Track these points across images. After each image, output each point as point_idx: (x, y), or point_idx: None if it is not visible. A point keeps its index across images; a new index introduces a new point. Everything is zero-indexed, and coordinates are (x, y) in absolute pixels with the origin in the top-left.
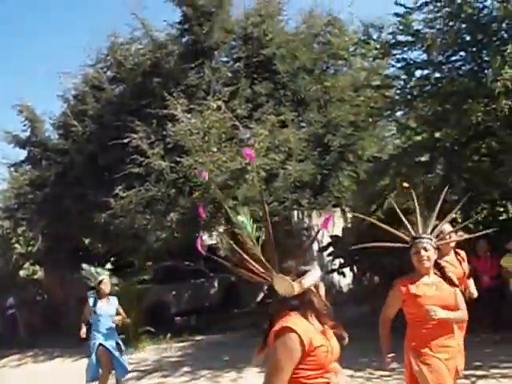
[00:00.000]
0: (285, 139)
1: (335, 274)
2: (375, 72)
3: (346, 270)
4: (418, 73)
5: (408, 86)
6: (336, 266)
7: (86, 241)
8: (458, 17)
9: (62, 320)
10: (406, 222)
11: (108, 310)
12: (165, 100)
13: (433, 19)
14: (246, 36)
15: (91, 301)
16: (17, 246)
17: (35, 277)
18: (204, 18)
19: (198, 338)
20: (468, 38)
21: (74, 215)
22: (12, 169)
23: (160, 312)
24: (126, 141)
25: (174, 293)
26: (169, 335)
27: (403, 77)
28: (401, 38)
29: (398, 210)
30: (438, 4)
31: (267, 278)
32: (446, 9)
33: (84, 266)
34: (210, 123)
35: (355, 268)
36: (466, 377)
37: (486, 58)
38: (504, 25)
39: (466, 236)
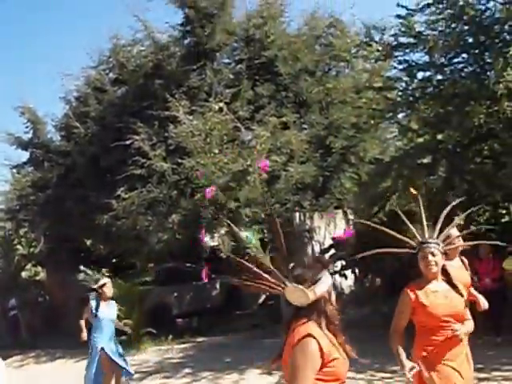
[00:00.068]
0: (286, 141)
1: (337, 276)
2: (377, 74)
3: (348, 272)
4: (420, 75)
5: (410, 88)
6: (338, 268)
7: (88, 242)
8: (461, 19)
9: (64, 321)
10: (412, 227)
11: (110, 314)
12: (167, 102)
13: (435, 21)
14: (248, 38)
15: (93, 304)
16: (19, 247)
17: (37, 278)
18: (206, 20)
19: (200, 339)
20: (470, 40)
21: (75, 217)
22: (14, 170)
23: (162, 313)
24: (127, 142)
25: (175, 294)
26: (170, 337)
27: (405, 79)
28: (403, 39)
29: (401, 215)
30: (440, 6)
31: (279, 288)
32: (448, 11)
33: (82, 268)
34: (212, 125)
35: (357, 270)
36: None
37: (489, 60)
38: (506, 27)
39: (473, 243)
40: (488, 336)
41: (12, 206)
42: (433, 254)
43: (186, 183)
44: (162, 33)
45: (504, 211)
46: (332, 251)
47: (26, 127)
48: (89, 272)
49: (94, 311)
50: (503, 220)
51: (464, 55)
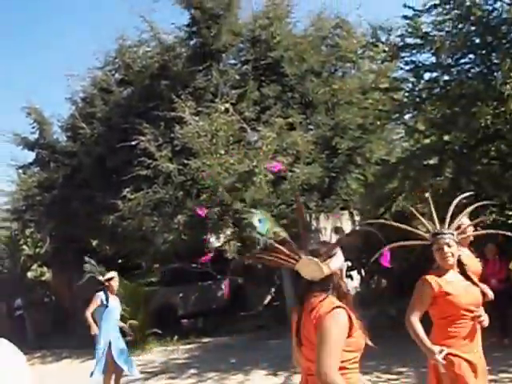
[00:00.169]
0: (292, 142)
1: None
2: (383, 75)
3: (354, 273)
4: (427, 75)
5: (416, 89)
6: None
7: (94, 243)
8: (467, 19)
9: (70, 321)
10: (423, 220)
11: (117, 304)
12: (173, 102)
13: (442, 21)
14: (254, 38)
15: (103, 295)
16: (25, 247)
17: (43, 278)
18: (212, 21)
19: (205, 340)
20: (477, 41)
21: (81, 217)
22: (20, 171)
23: (167, 314)
24: (133, 143)
25: (181, 295)
26: (176, 337)
27: (412, 79)
28: (409, 40)
29: (412, 209)
30: (447, 6)
31: (292, 261)
32: (455, 11)
33: (87, 259)
34: (218, 126)
35: (363, 271)
36: None
37: (496, 61)
38: None
39: (484, 231)
40: (494, 338)
41: (18, 207)
42: (448, 245)
43: (191, 184)
44: (167, 34)
45: (511, 213)
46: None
47: (33, 128)
48: (93, 262)
49: (104, 302)
50: (510, 221)
51: (471, 56)
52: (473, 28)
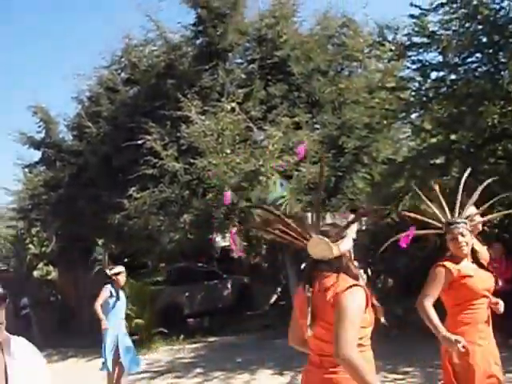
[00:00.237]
0: (299, 141)
1: None
2: (390, 74)
3: (360, 272)
4: (434, 74)
5: (423, 88)
6: None
7: (100, 242)
8: (474, 18)
9: (76, 320)
10: (435, 208)
11: (124, 299)
12: (179, 102)
13: (448, 20)
14: (260, 38)
15: (112, 288)
16: (31, 246)
17: (49, 277)
18: (218, 20)
19: (211, 339)
20: (484, 40)
21: (87, 216)
22: (26, 170)
23: (173, 313)
24: (139, 142)
25: (187, 294)
26: (182, 336)
27: (418, 79)
28: (416, 39)
29: (422, 196)
30: (454, 5)
31: (303, 240)
32: (462, 10)
33: (99, 246)
34: (224, 125)
35: (369, 270)
36: None
37: (503, 60)
38: None
39: (490, 216)
40: (500, 338)
41: (24, 206)
42: (462, 235)
43: (197, 183)
44: (174, 33)
45: None
46: None
47: (39, 127)
48: (101, 249)
49: (114, 294)
50: None
51: (478, 55)
52: (480, 27)
